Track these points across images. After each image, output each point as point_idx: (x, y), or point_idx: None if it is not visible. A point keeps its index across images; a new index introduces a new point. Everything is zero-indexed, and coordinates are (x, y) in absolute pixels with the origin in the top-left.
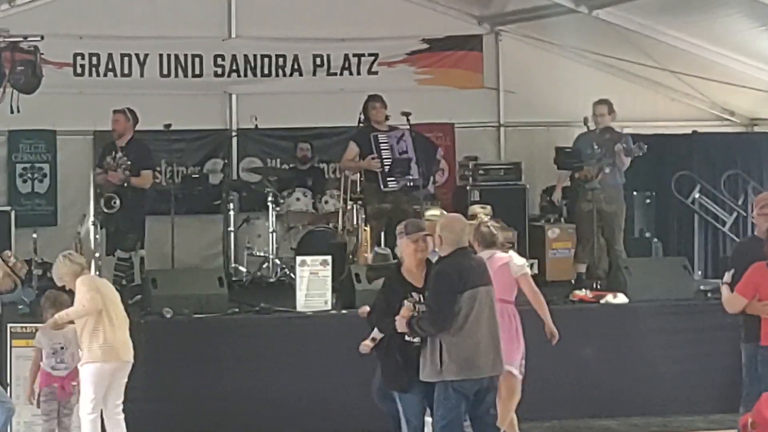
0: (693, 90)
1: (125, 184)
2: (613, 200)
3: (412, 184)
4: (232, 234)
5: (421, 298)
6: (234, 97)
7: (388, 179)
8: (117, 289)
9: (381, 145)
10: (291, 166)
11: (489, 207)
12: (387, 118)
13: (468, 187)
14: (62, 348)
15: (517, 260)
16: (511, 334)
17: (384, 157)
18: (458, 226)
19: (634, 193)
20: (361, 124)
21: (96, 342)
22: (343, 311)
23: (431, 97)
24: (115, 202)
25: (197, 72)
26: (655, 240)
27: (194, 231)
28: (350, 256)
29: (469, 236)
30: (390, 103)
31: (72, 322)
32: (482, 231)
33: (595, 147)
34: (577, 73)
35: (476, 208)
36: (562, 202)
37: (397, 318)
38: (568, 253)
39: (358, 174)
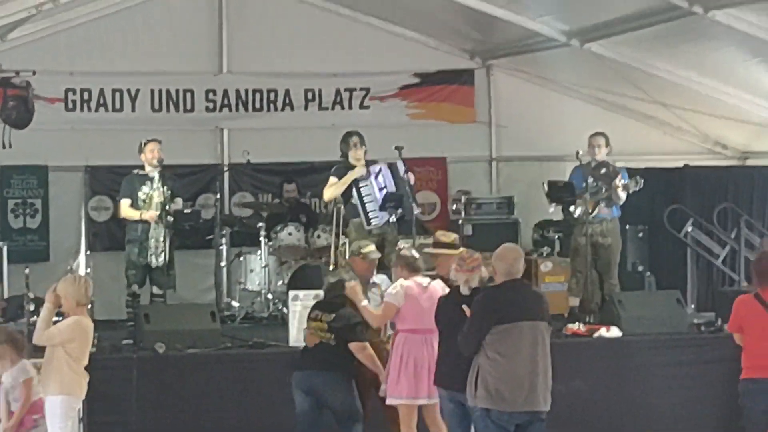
0: (685, 123)
1: None
2: (609, 234)
3: (396, 217)
4: (225, 269)
5: None
6: (226, 132)
7: (371, 216)
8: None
9: (360, 183)
10: (280, 201)
11: (455, 235)
12: (366, 153)
13: (460, 221)
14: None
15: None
16: (431, 363)
17: (365, 194)
18: (511, 257)
19: (627, 226)
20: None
21: (68, 374)
22: None
23: (423, 131)
24: None
25: (189, 107)
26: (648, 273)
27: (186, 266)
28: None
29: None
30: (382, 138)
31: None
32: (406, 256)
33: (591, 181)
34: (569, 106)
35: (438, 236)
36: (554, 236)
37: None
38: (561, 287)
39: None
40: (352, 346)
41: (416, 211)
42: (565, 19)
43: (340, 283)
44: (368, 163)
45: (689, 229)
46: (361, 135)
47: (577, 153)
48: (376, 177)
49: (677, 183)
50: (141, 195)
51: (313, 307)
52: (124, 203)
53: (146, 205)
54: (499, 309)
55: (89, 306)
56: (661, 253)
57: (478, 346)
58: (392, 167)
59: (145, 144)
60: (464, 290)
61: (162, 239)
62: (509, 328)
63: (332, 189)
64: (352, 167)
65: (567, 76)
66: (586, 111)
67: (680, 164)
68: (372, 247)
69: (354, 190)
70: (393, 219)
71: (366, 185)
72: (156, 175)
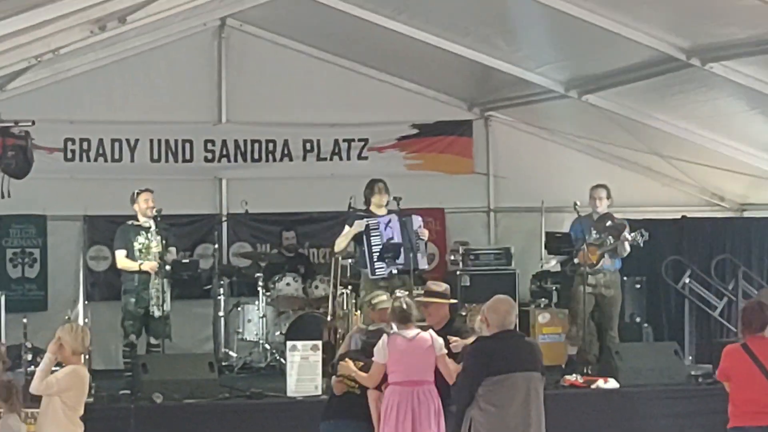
0: (683, 174)
1: None
2: (612, 285)
3: (400, 269)
4: (223, 319)
5: None
6: (224, 181)
7: (377, 266)
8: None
9: (371, 232)
10: (278, 251)
11: (446, 285)
12: (388, 203)
13: (458, 272)
14: None
15: (438, 340)
16: (430, 415)
17: (374, 244)
18: (503, 308)
19: (625, 278)
20: (351, 209)
21: (65, 423)
22: None
23: (422, 181)
24: None
25: (188, 157)
26: (646, 325)
27: (184, 316)
28: (341, 341)
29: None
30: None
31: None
32: (396, 307)
33: (594, 232)
34: (567, 157)
35: (429, 285)
36: (551, 287)
37: None
38: (558, 338)
39: (349, 259)
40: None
41: (423, 266)
42: (563, 71)
43: (379, 332)
44: (389, 213)
45: (687, 280)
46: (385, 182)
47: (575, 204)
48: (386, 227)
49: (675, 234)
50: (137, 245)
51: (342, 356)
52: (120, 254)
53: (143, 256)
54: (492, 360)
55: (86, 356)
56: (658, 305)
57: (471, 398)
58: (407, 220)
59: (138, 194)
60: None
61: (162, 289)
62: (502, 379)
63: (340, 240)
64: (368, 215)
65: (565, 126)
66: (585, 162)
67: (678, 215)
68: (383, 297)
69: (365, 239)
70: (394, 271)
71: (376, 236)
72: (151, 224)
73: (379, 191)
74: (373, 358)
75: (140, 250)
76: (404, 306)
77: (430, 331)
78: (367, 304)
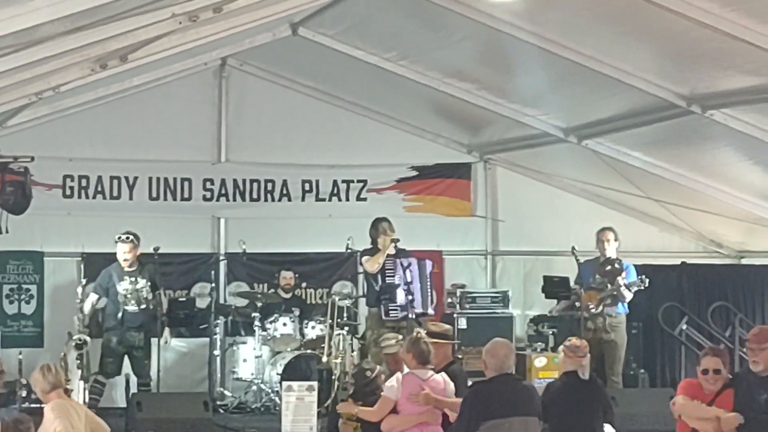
0: (681, 221)
1: None
2: (613, 330)
3: (417, 313)
4: (218, 358)
5: None
6: (222, 221)
7: (391, 308)
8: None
9: (387, 272)
10: (274, 292)
11: (447, 326)
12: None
13: (455, 315)
14: None
15: (450, 384)
16: None
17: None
18: (502, 352)
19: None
20: (348, 250)
21: None
22: None
23: (420, 223)
24: None
25: (186, 195)
26: (642, 371)
27: (180, 354)
28: (336, 382)
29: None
30: None
31: None
32: (421, 347)
33: (597, 277)
34: (566, 202)
35: (429, 326)
36: (548, 331)
37: None
38: None
39: (346, 300)
40: None
41: (431, 312)
42: (563, 116)
43: (367, 371)
44: (399, 253)
45: (684, 327)
46: (389, 221)
47: (573, 248)
48: (404, 271)
49: (673, 280)
50: (121, 290)
51: (348, 398)
52: (92, 298)
53: (129, 301)
54: (489, 404)
55: (63, 389)
56: (655, 351)
57: None
58: (421, 264)
59: (116, 243)
60: (583, 374)
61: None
62: (499, 423)
63: (371, 262)
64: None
65: (565, 171)
66: (583, 206)
67: (675, 261)
68: (391, 342)
69: (379, 278)
70: (411, 315)
71: (392, 276)
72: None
73: (383, 231)
74: (383, 393)
75: (126, 296)
76: (428, 348)
77: (443, 374)
78: (374, 343)
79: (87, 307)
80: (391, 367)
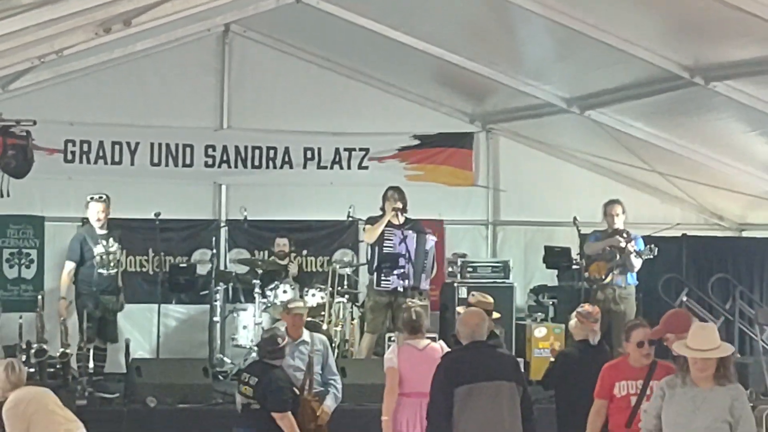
0: (682, 193)
1: None
2: (622, 301)
3: (404, 283)
4: (218, 325)
5: None
6: (224, 187)
7: (383, 279)
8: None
9: (385, 243)
10: (274, 259)
11: (490, 297)
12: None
13: (456, 284)
14: None
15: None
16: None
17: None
18: (473, 321)
19: None
20: (350, 218)
21: None
22: None
23: (421, 192)
24: None
25: (188, 162)
26: None
27: (180, 321)
28: (336, 350)
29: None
30: (380, 198)
31: None
32: (404, 316)
33: (606, 248)
34: (567, 172)
35: (477, 295)
36: (548, 302)
37: None
38: None
39: (347, 268)
40: (274, 415)
41: (425, 286)
42: (566, 86)
43: (278, 338)
44: (406, 223)
45: (684, 298)
46: (400, 190)
47: (575, 219)
48: (400, 242)
49: (674, 252)
50: (97, 254)
51: (243, 370)
52: (68, 266)
53: (104, 265)
54: (460, 370)
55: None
56: (655, 322)
57: (443, 409)
58: (421, 237)
59: (87, 203)
60: (594, 341)
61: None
62: (471, 388)
63: (370, 232)
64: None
65: (566, 141)
66: (585, 177)
67: (676, 233)
68: (298, 303)
69: (376, 248)
70: (400, 288)
71: (390, 246)
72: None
73: (391, 198)
74: (386, 367)
75: (101, 258)
76: (414, 316)
77: (440, 341)
78: (284, 307)
79: (65, 277)
80: (289, 330)
